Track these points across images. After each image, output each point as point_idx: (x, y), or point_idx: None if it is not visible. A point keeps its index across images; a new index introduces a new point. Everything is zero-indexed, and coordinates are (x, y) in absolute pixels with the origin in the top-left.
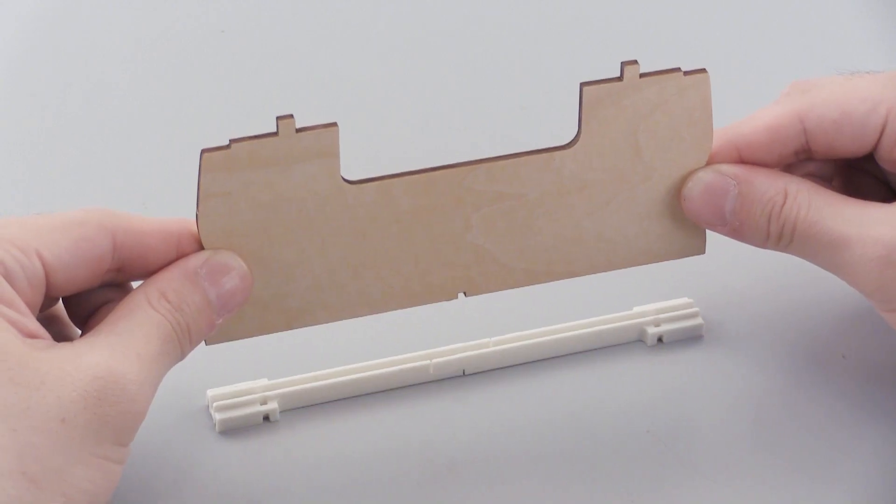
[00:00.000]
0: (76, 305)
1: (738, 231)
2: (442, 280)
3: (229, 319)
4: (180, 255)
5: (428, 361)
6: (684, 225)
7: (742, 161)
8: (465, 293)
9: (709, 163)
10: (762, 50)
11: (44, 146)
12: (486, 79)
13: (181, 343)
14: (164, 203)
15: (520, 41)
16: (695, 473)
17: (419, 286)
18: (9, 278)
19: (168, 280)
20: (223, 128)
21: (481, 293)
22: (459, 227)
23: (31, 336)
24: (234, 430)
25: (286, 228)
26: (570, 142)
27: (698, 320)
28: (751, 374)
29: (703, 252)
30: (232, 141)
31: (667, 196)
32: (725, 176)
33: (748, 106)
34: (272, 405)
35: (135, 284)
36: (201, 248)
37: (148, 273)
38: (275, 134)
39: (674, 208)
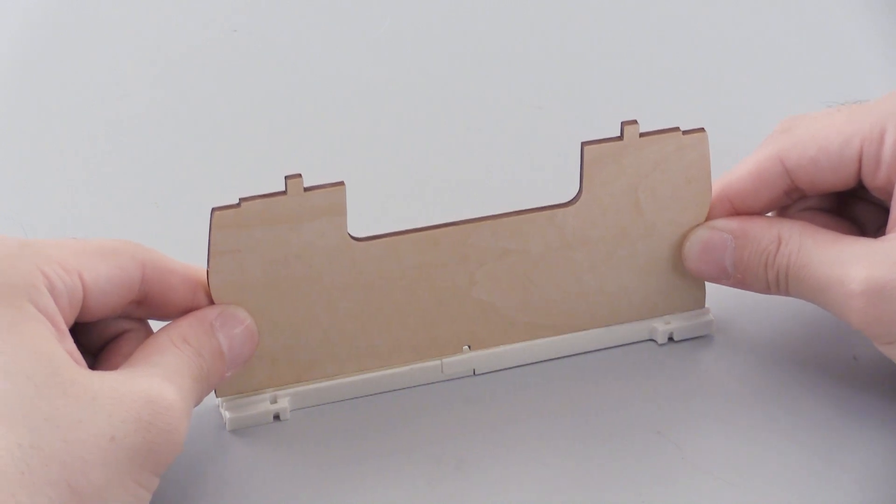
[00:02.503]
0: (90, 333)
1: (741, 282)
2: (447, 334)
3: (240, 372)
4: (196, 301)
5: (439, 361)
6: (684, 279)
7: (735, 210)
8: (469, 346)
9: (707, 217)
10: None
11: (51, 147)
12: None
13: (202, 386)
14: (172, 202)
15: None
16: (704, 473)
17: (425, 340)
18: (53, 296)
19: (188, 327)
20: (230, 128)
21: (486, 347)
22: (464, 282)
23: (70, 356)
24: (243, 428)
25: (295, 284)
26: (572, 199)
27: (709, 318)
28: (761, 374)
29: (703, 305)
30: (242, 199)
31: (667, 251)
32: (721, 231)
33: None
34: (282, 404)
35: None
36: (213, 301)
37: (165, 310)
38: (283, 193)
39: (674, 263)
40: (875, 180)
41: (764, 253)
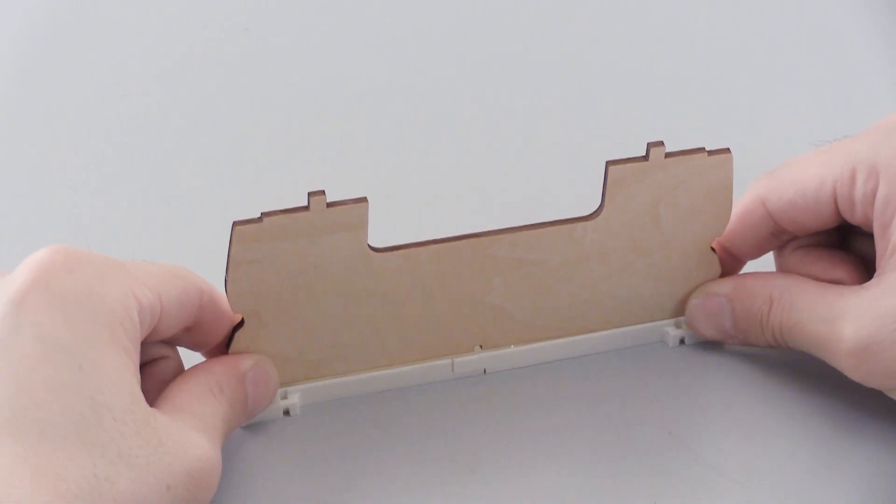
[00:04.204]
0: None
1: (745, 341)
2: (460, 336)
3: None
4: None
5: (450, 359)
6: (696, 287)
7: (728, 253)
8: (481, 346)
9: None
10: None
11: (60, 147)
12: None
13: (225, 436)
14: (185, 202)
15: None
16: (716, 475)
17: (437, 341)
18: (140, 318)
19: (225, 375)
20: (239, 128)
21: (498, 348)
22: (480, 290)
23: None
24: (253, 423)
25: (312, 292)
26: (593, 213)
27: None
28: (772, 377)
29: None
30: (263, 214)
31: (682, 262)
32: (719, 296)
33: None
34: (293, 399)
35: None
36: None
37: (209, 338)
38: (306, 208)
39: (687, 272)
40: (854, 218)
41: (758, 314)
